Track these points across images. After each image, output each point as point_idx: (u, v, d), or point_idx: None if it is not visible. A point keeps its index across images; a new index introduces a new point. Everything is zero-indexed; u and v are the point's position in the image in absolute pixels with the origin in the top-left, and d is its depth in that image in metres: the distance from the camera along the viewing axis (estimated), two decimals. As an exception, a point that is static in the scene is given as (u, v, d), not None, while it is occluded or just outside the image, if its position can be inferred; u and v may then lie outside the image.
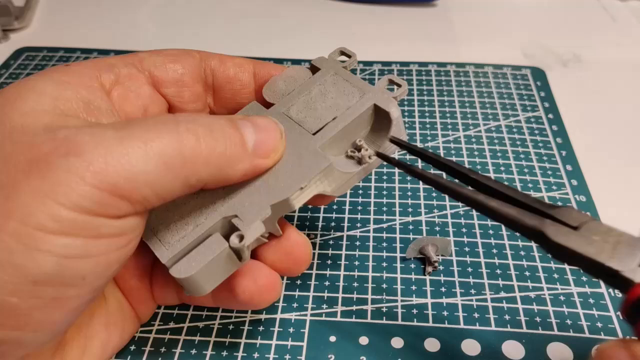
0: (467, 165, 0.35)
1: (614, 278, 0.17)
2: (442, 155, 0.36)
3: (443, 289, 0.28)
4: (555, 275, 0.28)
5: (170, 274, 0.20)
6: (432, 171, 0.22)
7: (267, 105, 0.25)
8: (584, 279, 0.28)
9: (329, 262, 0.29)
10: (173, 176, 0.18)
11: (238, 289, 0.22)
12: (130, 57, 0.23)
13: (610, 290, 0.28)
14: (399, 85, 0.24)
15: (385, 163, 0.23)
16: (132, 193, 0.17)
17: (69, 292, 0.17)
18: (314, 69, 0.26)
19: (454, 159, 0.36)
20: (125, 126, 0.18)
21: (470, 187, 0.20)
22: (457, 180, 0.21)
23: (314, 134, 0.23)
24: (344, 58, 0.26)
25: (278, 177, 0.21)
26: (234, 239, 0.20)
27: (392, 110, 0.23)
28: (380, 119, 0.23)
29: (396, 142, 0.23)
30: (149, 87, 0.23)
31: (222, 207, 0.21)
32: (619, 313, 0.27)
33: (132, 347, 0.25)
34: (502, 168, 0.35)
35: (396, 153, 0.24)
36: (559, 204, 0.19)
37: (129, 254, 0.19)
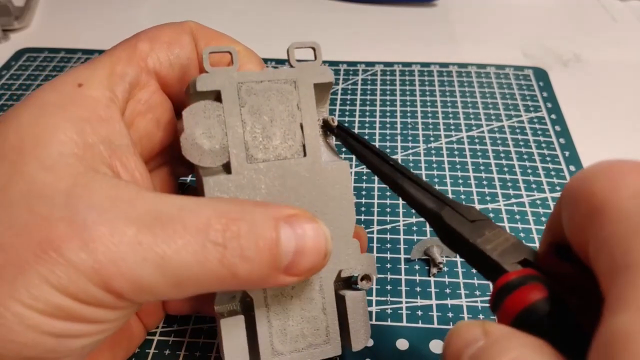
0: (469, 166, 0.35)
1: (492, 272, 0.17)
2: (445, 156, 0.36)
3: (448, 291, 0.28)
4: (560, 276, 0.28)
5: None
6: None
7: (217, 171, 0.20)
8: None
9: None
10: (183, 292, 0.17)
11: None
12: (134, 55, 0.21)
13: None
14: (311, 48, 0.21)
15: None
16: (137, 298, 0.17)
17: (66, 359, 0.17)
18: (209, 96, 0.20)
19: (457, 159, 0.36)
20: (151, 225, 0.16)
21: (390, 167, 0.21)
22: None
23: (304, 155, 0.21)
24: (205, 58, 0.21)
25: (332, 214, 0.21)
26: (364, 284, 0.22)
27: (332, 79, 0.22)
28: (320, 90, 0.22)
29: (341, 128, 0.22)
30: (159, 94, 0.22)
31: (322, 279, 0.22)
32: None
33: (137, 350, 0.25)
34: (505, 169, 0.35)
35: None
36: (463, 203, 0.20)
37: (126, 322, 0.19)
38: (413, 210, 0.21)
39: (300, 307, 0.22)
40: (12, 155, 0.17)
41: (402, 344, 0.26)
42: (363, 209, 0.32)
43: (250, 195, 0.20)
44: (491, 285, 0.17)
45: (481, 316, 0.27)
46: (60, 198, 0.16)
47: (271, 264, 0.18)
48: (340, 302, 0.22)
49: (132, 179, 0.19)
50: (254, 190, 0.20)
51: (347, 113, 0.40)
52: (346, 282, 0.23)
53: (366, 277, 0.22)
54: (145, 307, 0.24)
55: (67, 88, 0.19)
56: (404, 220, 0.32)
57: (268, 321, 0.21)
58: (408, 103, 0.41)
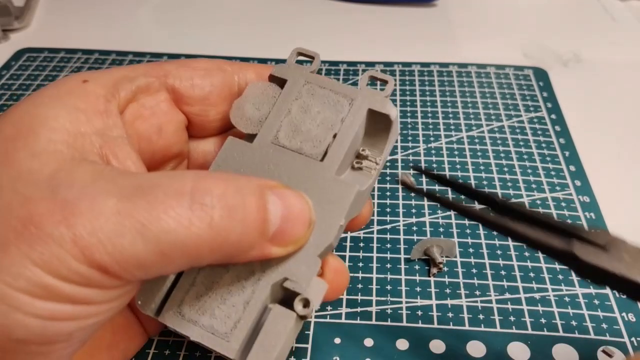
0: (469, 166, 0.35)
1: None
2: (445, 156, 0.36)
3: (448, 291, 0.28)
4: (560, 277, 0.28)
5: None
6: (450, 195, 0.21)
7: (243, 136, 0.22)
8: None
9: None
10: (169, 262, 0.16)
11: None
12: (156, 69, 0.22)
13: (615, 291, 0.28)
14: (384, 82, 0.22)
15: (388, 164, 0.23)
16: (122, 273, 0.16)
17: (55, 347, 0.16)
18: (277, 81, 0.23)
19: (457, 159, 0.36)
20: (132, 194, 0.16)
21: (491, 211, 0.20)
22: (480, 206, 0.21)
23: (321, 159, 0.21)
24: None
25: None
26: (298, 306, 0.19)
27: (391, 112, 0.21)
28: (375, 121, 0.22)
29: (416, 169, 0.21)
30: (167, 103, 0.22)
31: (264, 274, 0.19)
32: (624, 314, 0.27)
33: (136, 350, 0.25)
34: (506, 169, 0.35)
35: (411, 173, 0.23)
36: (581, 224, 0.19)
37: (121, 308, 0.18)
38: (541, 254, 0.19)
39: (228, 287, 0.20)
40: (6, 144, 0.17)
41: (402, 344, 0.26)
42: (363, 209, 0.32)
43: (255, 169, 0.21)
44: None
45: (481, 316, 0.27)
46: (43, 181, 0.16)
47: (260, 229, 0.17)
48: (265, 312, 0.19)
49: (123, 168, 0.19)
50: (260, 165, 0.21)
51: (347, 113, 0.40)
52: (287, 296, 0.20)
53: (305, 301, 0.19)
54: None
55: (71, 83, 0.19)
56: (404, 220, 0.32)
57: (192, 283, 0.20)
58: (408, 103, 0.41)
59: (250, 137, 0.22)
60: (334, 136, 0.21)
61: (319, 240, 0.19)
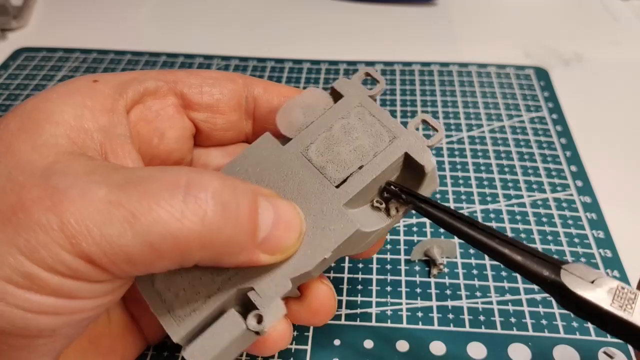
0: (470, 166, 0.35)
1: (636, 336, 0.16)
2: (445, 156, 0.36)
3: (448, 292, 0.28)
4: (561, 278, 0.28)
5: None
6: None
7: (280, 135, 0.22)
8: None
9: (332, 264, 0.29)
10: (158, 256, 0.16)
11: None
12: (166, 75, 0.22)
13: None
14: (434, 130, 0.21)
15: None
16: (109, 267, 0.15)
17: (38, 342, 0.16)
18: (335, 94, 0.22)
19: (457, 160, 0.35)
20: (124, 185, 0.16)
21: (485, 234, 0.19)
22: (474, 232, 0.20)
23: (337, 185, 0.20)
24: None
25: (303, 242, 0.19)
26: (251, 321, 0.18)
27: (426, 164, 0.20)
28: (411, 167, 0.21)
29: (425, 201, 0.20)
30: (174, 108, 0.22)
31: (236, 276, 0.19)
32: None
33: (134, 352, 0.25)
34: (507, 169, 0.35)
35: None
36: (567, 259, 0.19)
37: (109, 306, 0.18)
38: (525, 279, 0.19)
39: (200, 276, 0.19)
40: (10, 137, 0.17)
41: (402, 346, 0.25)
42: (363, 209, 0.32)
43: (273, 169, 0.21)
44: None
45: (482, 317, 0.26)
46: (38, 170, 0.16)
47: (250, 232, 0.17)
48: (220, 313, 0.19)
49: (121, 165, 0.19)
50: (279, 167, 0.21)
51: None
52: (247, 307, 0.19)
53: (259, 318, 0.18)
54: (148, 316, 0.23)
55: (81, 82, 0.20)
56: (404, 221, 0.31)
57: None
58: (408, 103, 0.40)
59: (285, 140, 0.22)
60: (360, 167, 0.20)
61: (297, 265, 0.19)
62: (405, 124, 0.21)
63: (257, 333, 0.19)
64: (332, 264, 0.29)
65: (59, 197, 0.15)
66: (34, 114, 0.18)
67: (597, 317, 0.17)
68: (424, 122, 0.22)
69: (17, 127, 0.18)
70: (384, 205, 0.21)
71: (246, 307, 0.19)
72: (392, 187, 0.21)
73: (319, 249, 0.19)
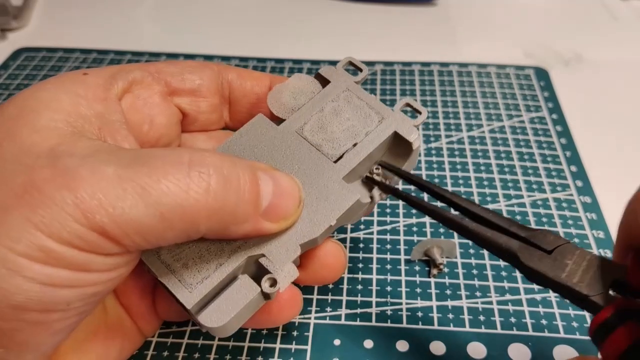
0: (470, 166, 0.35)
1: (583, 302, 0.17)
2: (445, 156, 0.36)
3: (448, 292, 0.28)
4: (561, 277, 0.28)
5: (196, 318, 0.19)
6: (425, 199, 0.22)
7: (273, 117, 0.23)
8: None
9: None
10: (168, 227, 0.17)
11: None
12: (149, 66, 0.23)
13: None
14: (418, 112, 0.23)
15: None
16: (122, 238, 0.16)
17: (53, 317, 0.17)
18: (321, 80, 0.24)
19: (457, 160, 0.35)
20: (131, 163, 0.17)
21: (457, 213, 0.21)
22: (451, 209, 0.21)
23: (335, 161, 0.22)
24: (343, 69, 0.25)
25: (304, 212, 0.21)
26: (265, 284, 0.19)
27: (414, 141, 0.22)
28: (399, 146, 0.23)
29: (405, 176, 0.22)
30: (160, 96, 0.23)
31: (245, 245, 0.20)
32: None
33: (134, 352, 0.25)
34: (507, 169, 0.35)
35: (400, 184, 0.23)
36: (536, 227, 0.19)
37: (120, 281, 0.18)
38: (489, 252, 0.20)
39: (208, 246, 0.20)
40: (9, 123, 0.18)
41: (402, 346, 0.25)
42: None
43: (271, 148, 0.22)
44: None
45: (482, 317, 0.26)
46: (44, 152, 0.17)
47: (253, 201, 0.18)
48: (232, 280, 0.20)
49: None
50: (277, 146, 0.22)
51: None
52: (259, 273, 0.20)
53: (273, 281, 0.19)
54: (137, 310, 0.23)
55: (72, 75, 0.20)
56: (404, 221, 0.31)
57: None
58: (408, 103, 0.40)
59: (278, 122, 0.23)
60: (354, 145, 0.22)
61: (305, 232, 0.20)
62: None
63: (268, 296, 0.20)
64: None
65: (71, 175, 0.16)
66: (30, 102, 0.19)
67: (548, 284, 0.18)
68: (408, 105, 0.23)
69: (14, 113, 0.18)
70: (374, 179, 0.22)
71: (256, 273, 0.20)
72: (382, 164, 0.23)
73: (325, 217, 0.20)
